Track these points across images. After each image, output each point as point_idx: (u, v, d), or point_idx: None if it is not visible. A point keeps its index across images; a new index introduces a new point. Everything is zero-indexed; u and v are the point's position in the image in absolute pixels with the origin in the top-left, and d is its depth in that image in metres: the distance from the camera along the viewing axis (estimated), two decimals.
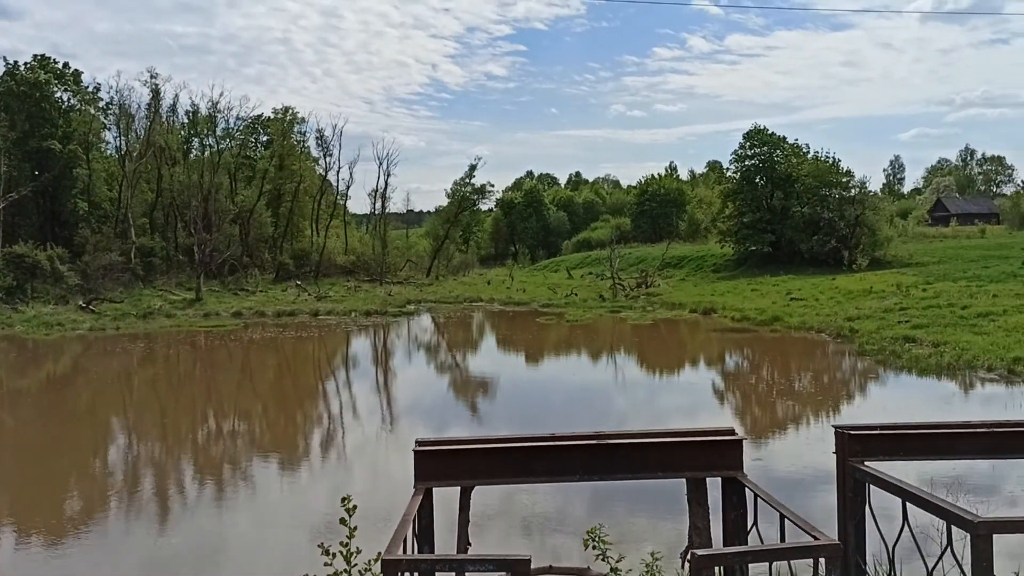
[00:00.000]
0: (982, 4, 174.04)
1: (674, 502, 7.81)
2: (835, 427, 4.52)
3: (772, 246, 56.68)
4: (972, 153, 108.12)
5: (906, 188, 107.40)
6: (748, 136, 60.08)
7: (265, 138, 66.69)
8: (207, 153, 59.29)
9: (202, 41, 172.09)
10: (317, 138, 64.03)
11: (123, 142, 56.20)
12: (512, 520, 11.29)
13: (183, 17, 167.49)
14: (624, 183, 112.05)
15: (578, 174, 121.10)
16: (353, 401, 22.87)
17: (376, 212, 68.23)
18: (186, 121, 61.84)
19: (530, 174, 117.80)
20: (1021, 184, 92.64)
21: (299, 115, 65.23)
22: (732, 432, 4.58)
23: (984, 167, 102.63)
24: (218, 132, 59.74)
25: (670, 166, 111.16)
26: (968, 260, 48.04)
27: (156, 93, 56.06)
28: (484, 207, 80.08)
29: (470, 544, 4.65)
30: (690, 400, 20.73)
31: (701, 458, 4.40)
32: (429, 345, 35.04)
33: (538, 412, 19.58)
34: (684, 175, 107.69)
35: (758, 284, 47.31)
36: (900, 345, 24.97)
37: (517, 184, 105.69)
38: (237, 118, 61.07)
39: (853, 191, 55.90)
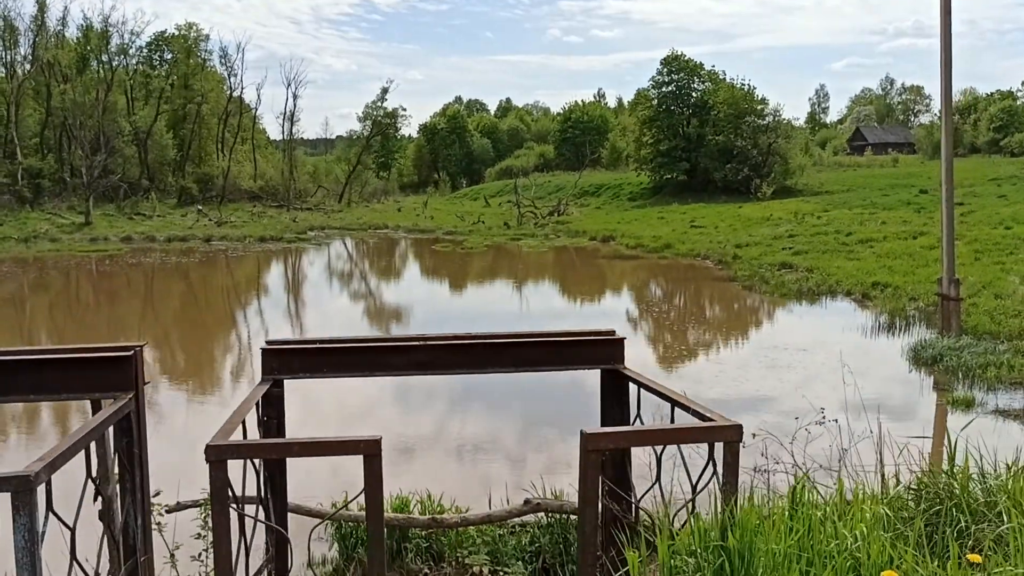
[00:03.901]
0: None
1: None
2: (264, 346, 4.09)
3: (687, 174, 56.44)
4: (892, 82, 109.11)
5: (831, 118, 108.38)
6: (666, 62, 59.20)
7: (170, 56, 63.59)
8: (102, 71, 56.22)
9: None
10: (221, 57, 61.07)
11: (8, 56, 52.89)
12: (446, 446, 10.62)
13: None
14: (555, 110, 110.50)
15: (508, 100, 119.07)
16: (173, 330, 21.93)
17: (285, 136, 65.88)
18: (80, 37, 58.39)
19: (458, 99, 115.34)
20: (937, 114, 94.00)
21: (203, 32, 62.19)
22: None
23: (904, 96, 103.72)
24: (112, 48, 56.52)
25: (598, 93, 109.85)
26: (875, 189, 48.44)
27: (42, 5, 52.68)
28: (405, 133, 78.27)
29: None
30: (539, 325, 20.36)
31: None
32: (299, 272, 34.10)
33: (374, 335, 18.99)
34: (616, 103, 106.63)
35: (667, 212, 47.15)
36: (773, 271, 24.92)
37: (445, 110, 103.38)
38: (131, 33, 57.79)
39: (767, 119, 55.69)
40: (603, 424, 4.35)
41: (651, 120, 58.74)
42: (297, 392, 12.04)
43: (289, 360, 4.05)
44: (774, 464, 5.30)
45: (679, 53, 59.24)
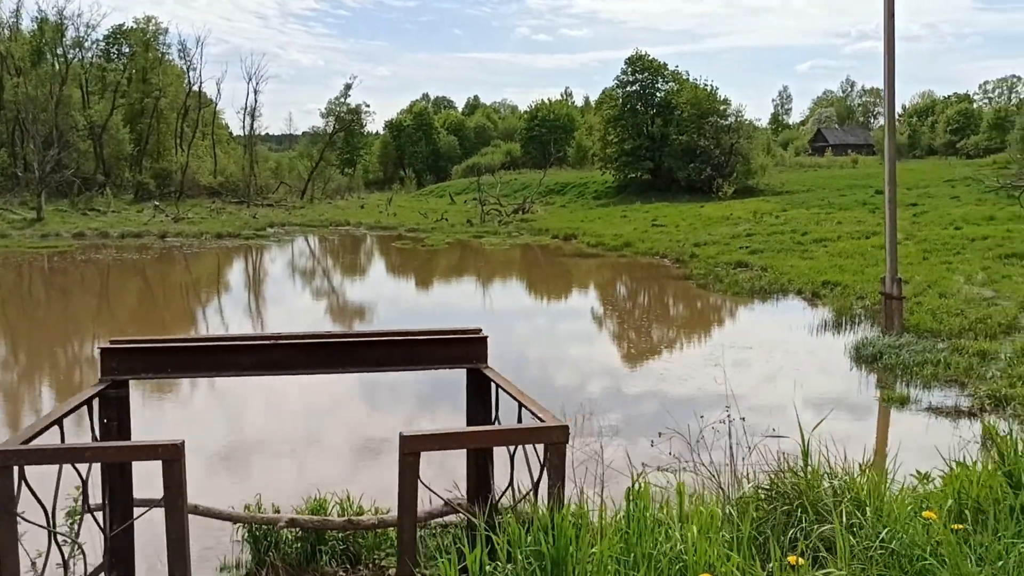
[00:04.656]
0: None
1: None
2: (103, 345, 3.95)
3: (651, 173, 56.69)
4: (853, 84, 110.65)
5: (795, 119, 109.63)
6: (630, 62, 59.41)
7: (127, 49, 62.52)
8: (57, 65, 55.17)
9: None
10: (180, 51, 60.21)
11: None
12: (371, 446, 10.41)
13: None
14: (522, 108, 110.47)
15: (476, 98, 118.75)
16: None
17: (246, 131, 65.12)
18: (35, 29, 57.25)
19: (425, 96, 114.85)
20: (897, 116, 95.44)
21: (162, 26, 61.27)
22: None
23: (864, 99, 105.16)
24: (67, 41, 55.47)
25: (565, 91, 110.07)
26: (834, 189, 49.02)
27: None
28: (372, 129, 77.73)
29: None
30: (494, 322, 20.30)
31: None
32: (253, 269, 33.71)
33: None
34: (583, 102, 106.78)
35: (630, 211, 47.32)
36: (728, 270, 25.07)
37: (412, 107, 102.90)
38: (87, 26, 56.77)
39: (730, 119, 56.12)
40: (468, 424, 4.28)
41: (616, 119, 58.90)
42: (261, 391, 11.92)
43: (130, 360, 3.90)
44: (674, 463, 5.28)
45: (643, 53, 59.53)
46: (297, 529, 6.70)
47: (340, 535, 6.64)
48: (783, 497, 3.34)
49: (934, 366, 12.57)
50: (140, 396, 12.99)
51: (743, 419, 6.48)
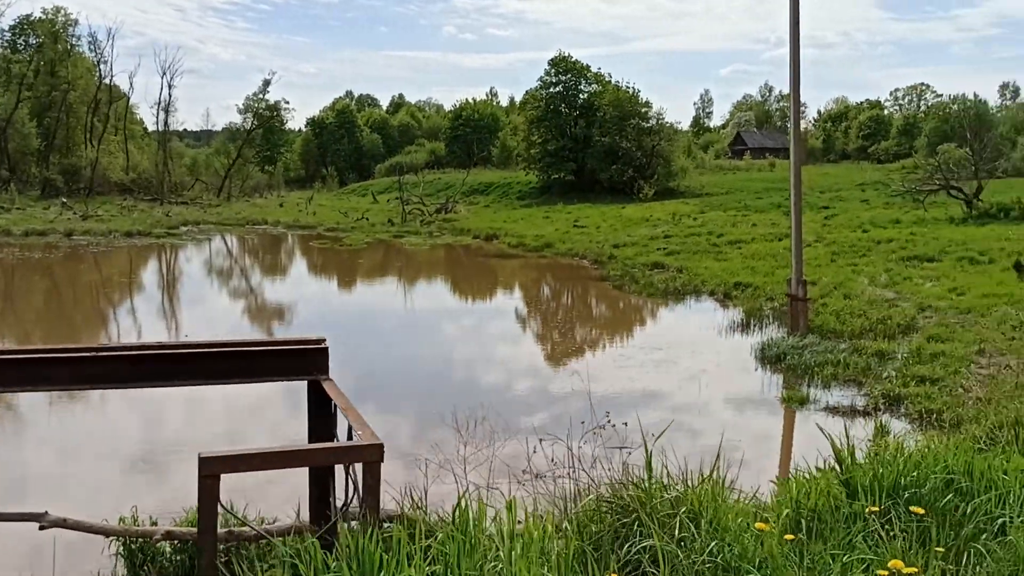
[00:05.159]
0: None
1: None
2: None
3: (575, 174, 57.05)
4: (771, 89, 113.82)
5: (716, 122, 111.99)
6: (553, 63, 59.69)
7: (35, 41, 59.96)
8: None
9: None
10: (90, 43, 58.03)
11: None
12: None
13: None
14: (448, 107, 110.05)
15: (401, 96, 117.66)
16: None
17: (160, 127, 63.17)
18: None
19: (349, 94, 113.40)
20: (812, 121, 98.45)
21: (72, 17, 58.93)
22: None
23: (781, 103, 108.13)
24: None
25: (490, 91, 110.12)
26: (751, 192, 50.12)
27: None
28: (294, 126, 76.30)
29: None
30: (407, 321, 20.08)
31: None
32: (164, 269, 32.70)
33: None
34: (509, 102, 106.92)
35: (553, 212, 47.52)
36: (644, 271, 25.34)
37: (335, 104, 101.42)
38: None
39: (651, 122, 56.89)
40: (310, 440, 4.10)
41: (539, 120, 59.09)
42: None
43: None
44: (552, 470, 5.19)
45: (566, 54, 59.89)
46: (176, 541, 6.42)
47: (222, 547, 6.37)
48: (624, 510, 3.27)
49: (834, 366, 12.86)
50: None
51: (625, 424, 6.43)
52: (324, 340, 4.43)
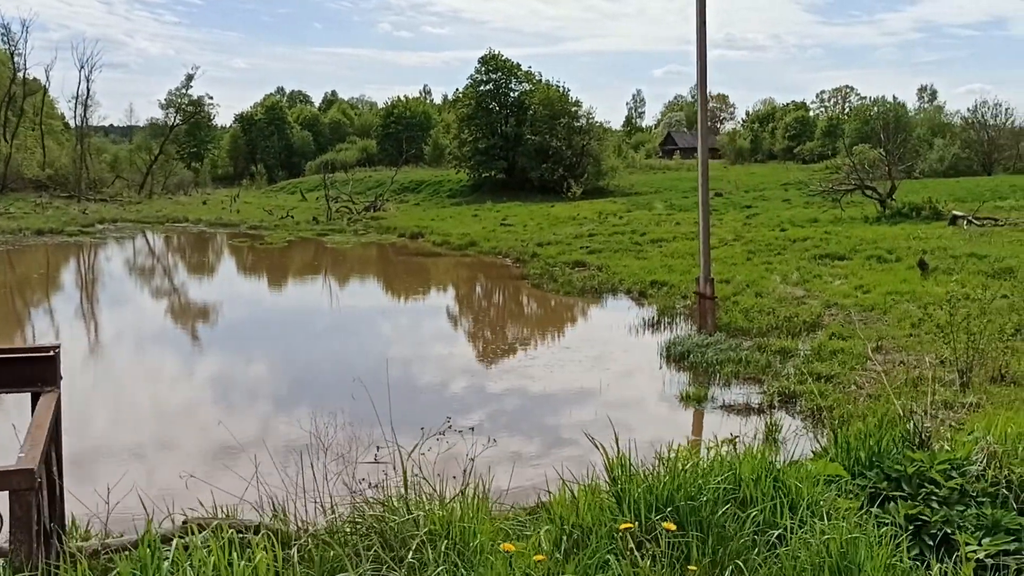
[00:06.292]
0: None
1: None
2: None
3: (506, 173, 56.98)
4: None
5: (648, 122, 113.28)
6: (484, 61, 59.50)
7: None
8: None
9: None
10: (3, 35, 55.76)
11: None
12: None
13: None
14: (381, 105, 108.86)
15: (334, 93, 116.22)
16: None
17: (78, 122, 60.99)
18: None
19: (280, 90, 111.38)
20: (740, 121, 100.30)
21: None
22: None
23: (711, 104, 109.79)
24: None
25: (424, 89, 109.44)
26: (679, 191, 50.70)
27: None
28: (223, 122, 74.50)
29: None
30: (317, 321, 19.69)
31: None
32: (79, 268, 31.55)
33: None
34: (443, 100, 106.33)
35: (482, 210, 47.36)
36: (564, 269, 25.30)
37: (265, 100, 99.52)
38: None
39: (581, 121, 57.12)
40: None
41: (470, 118, 58.83)
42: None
43: None
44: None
45: (496, 53, 59.74)
46: None
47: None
48: (371, 531, 3.07)
49: (736, 364, 12.93)
50: None
51: (472, 429, 6.26)
52: (57, 347, 4.06)
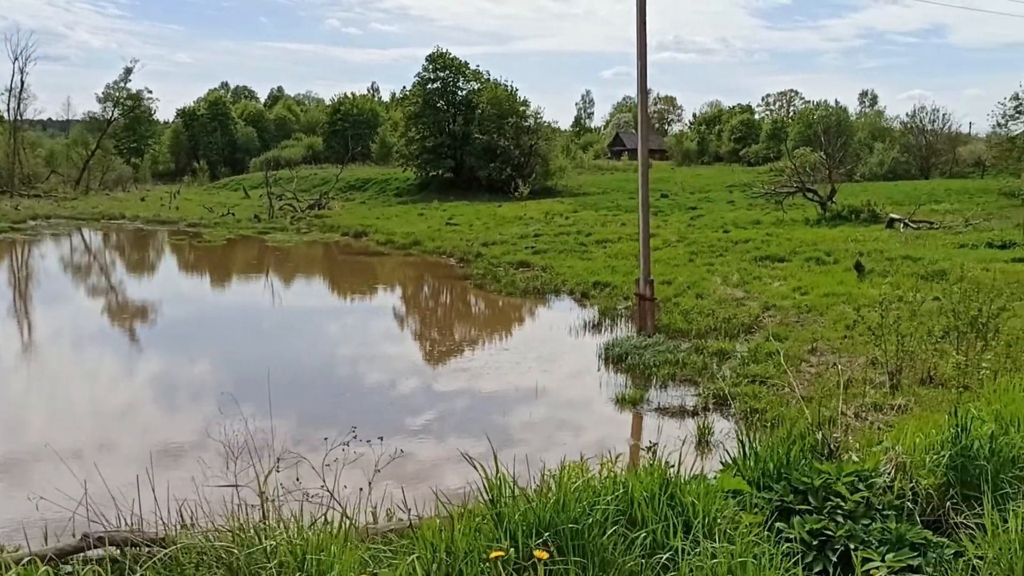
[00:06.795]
0: None
1: None
2: None
3: (453, 172, 56.65)
4: (649, 92, 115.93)
5: (597, 123, 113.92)
6: (431, 59, 59.07)
7: None
8: None
9: None
10: None
11: None
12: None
13: None
14: (328, 101, 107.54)
15: (280, 89, 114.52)
16: None
17: (11, 115, 58.98)
18: None
19: (224, 85, 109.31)
20: (688, 124, 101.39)
21: None
22: None
23: (659, 106, 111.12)
24: None
25: (371, 86, 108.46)
26: (626, 192, 50.84)
27: None
28: (164, 117, 72.76)
29: None
30: (249, 321, 19.22)
31: None
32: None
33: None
34: (390, 97, 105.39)
35: (428, 209, 46.99)
36: (508, 269, 25.13)
37: (208, 95, 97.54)
38: None
39: (529, 121, 57.05)
40: None
41: (417, 116, 58.36)
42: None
43: None
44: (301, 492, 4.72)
45: (444, 51, 59.37)
46: None
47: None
48: (219, 564, 2.84)
49: (673, 366, 12.87)
50: None
51: (381, 439, 6.04)
52: None
